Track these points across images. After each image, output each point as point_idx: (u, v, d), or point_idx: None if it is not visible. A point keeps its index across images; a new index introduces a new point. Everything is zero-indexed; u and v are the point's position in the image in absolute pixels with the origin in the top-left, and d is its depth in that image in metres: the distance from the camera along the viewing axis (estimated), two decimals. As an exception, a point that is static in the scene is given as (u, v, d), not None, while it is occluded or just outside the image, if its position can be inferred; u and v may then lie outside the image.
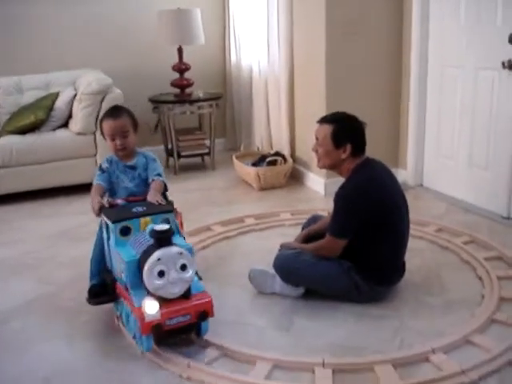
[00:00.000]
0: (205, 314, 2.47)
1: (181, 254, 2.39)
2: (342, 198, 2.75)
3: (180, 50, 5.30)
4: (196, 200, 4.50)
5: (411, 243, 3.15)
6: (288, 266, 2.83)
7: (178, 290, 2.41)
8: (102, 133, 2.88)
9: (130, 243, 2.54)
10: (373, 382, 2.27)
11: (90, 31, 5.41)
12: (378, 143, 4.33)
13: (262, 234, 3.78)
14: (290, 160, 4.79)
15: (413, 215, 3.62)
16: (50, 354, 2.55)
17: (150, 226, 2.47)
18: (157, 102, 5.31)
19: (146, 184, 2.84)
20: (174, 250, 2.39)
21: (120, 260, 2.52)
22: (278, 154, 4.82)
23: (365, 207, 2.70)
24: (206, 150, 5.40)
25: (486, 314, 2.67)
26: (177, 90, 5.40)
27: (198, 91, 5.44)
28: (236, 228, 3.84)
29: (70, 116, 4.82)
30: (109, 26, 5.46)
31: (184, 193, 4.64)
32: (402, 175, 4.55)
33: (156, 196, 2.70)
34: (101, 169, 2.86)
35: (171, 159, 5.37)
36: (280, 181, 4.69)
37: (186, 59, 5.33)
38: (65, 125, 4.84)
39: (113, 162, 2.87)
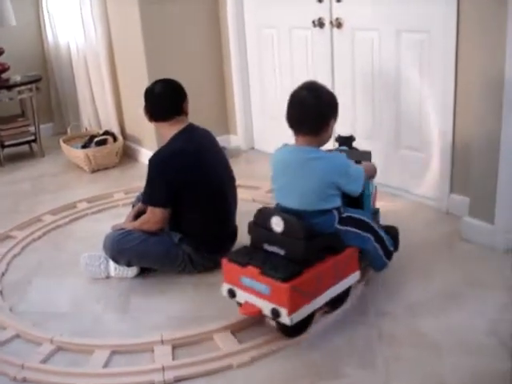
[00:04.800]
0: None
1: None
2: (152, 165, 2.72)
3: (-11, 34, 4.93)
4: (25, 190, 4.27)
5: (244, 207, 3.19)
6: (117, 247, 2.74)
7: None
8: None
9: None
10: (213, 351, 2.26)
11: None
12: (207, 111, 4.34)
13: (95, 217, 3.67)
14: (120, 138, 4.65)
15: (245, 179, 3.70)
16: None
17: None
18: (-30, 92, 4.92)
19: None
20: None
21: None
22: (107, 132, 4.68)
23: (173, 175, 2.67)
24: (32, 137, 5.09)
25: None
26: (-8, 77, 5.03)
27: (15, 75, 5.10)
28: (68, 215, 3.68)
29: None
30: None
31: (12, 184, 4.41)
32: (234, 140, 4.59)
33: None
34: None
35: (-5, 151, 5.03)
36: (112, 160, 4.55)
37: (-2, 43, 4.98)
38: None
39: None
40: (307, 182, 2.30)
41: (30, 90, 5.00)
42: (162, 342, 2.32)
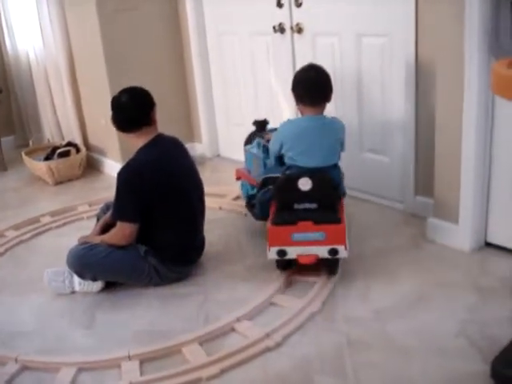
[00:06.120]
0: None
1: None
2: (121, 178, 2.68)
3: None
4: (-13, 206, 4.18)
5: (211, 215, 3.18)
6: (80, 262, 2.69)
7: None
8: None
9: None
10: (181, 364, 2.23)
11: None
12: (171, 120, 4.28)
13: (59, 231, 3.60)
14: (83, 149, 4.59)
15: (211, 187, 3.67)
16: None
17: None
18: None
19: None
20: None
21: None
22: (70, 144, 4.60)
23: (142, 188, 2.63)
24: (-7, 151, 5.01)
25: (286, 274, 2.74)
26: (-51, 91, 4.93)
27: (-27, 88, 5.01)
28: (31, 229, 3.60)
29: None
30: None
31: (-28, 200, 4.30)
32: (199, 148, 4.56)
33: None
34: None
35: (-45, 166, 4.91)
36: (75, 172, 4.49)
37: (-47, 55, 4.88)
38: None
39: None
40: (327, 141, 2.77)
41: (-10, 102, 4.92)
42: (129, 357, 2.27)
